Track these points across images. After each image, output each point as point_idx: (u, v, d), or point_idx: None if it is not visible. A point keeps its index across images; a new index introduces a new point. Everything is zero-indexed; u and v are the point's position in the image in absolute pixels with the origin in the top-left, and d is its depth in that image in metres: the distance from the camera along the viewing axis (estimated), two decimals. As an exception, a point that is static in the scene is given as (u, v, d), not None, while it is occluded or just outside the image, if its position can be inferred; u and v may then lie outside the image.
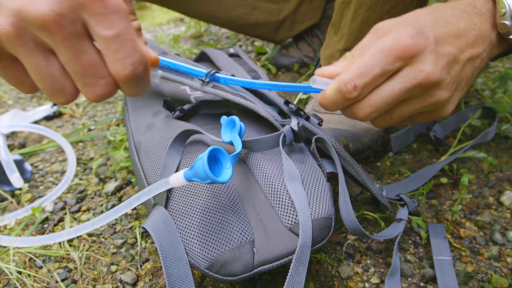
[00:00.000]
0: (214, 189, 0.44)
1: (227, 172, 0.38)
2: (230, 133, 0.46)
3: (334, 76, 0.39)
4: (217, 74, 0.54)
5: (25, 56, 0.29)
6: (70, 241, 0.56)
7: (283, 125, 0.50)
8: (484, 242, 0.54)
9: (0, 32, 0.28)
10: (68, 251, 0.53)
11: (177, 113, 0.56)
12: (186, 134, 0.49)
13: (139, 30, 0.39)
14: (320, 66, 0.84)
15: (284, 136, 0.47)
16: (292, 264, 0.37)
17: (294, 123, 0.48)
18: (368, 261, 0.51)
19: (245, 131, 0.52)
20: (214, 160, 0.38)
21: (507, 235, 0.55)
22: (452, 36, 0.37)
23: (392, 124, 0.41)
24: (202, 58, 0.80)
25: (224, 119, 0.46)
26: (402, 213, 0.50)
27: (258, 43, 1.28)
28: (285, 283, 0.36)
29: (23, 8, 0.27)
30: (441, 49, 0.36)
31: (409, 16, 0.39)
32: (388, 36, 0.36)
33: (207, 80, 0.53)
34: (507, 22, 0.39)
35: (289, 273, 0.36)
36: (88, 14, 0.29)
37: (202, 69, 0.55)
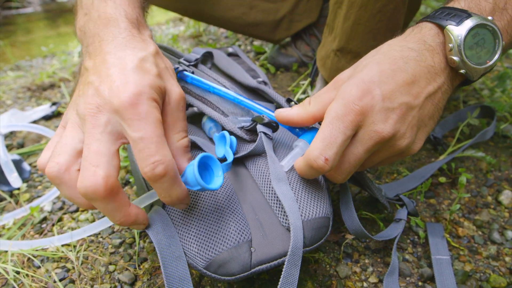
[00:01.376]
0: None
1: (218, 179, 0.39)
2: (223, 147, 0.46)
3: (288, 121, 0.42)
4: (185, 73, 0.52)
5: (66, 126, 0.38)
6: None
7: (251, 130, 0.48)
8: (483, 241, 0.54)
9: (66, 115, 0.40)
10: (67, 251, 0.53)
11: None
12: None
13: (186, 147, 0.41)
14: (317, 67, 0.84)
15: (265, 135, 0.46)
16: (284, 266, 0.36)
17: (263, 120, 0.47)
18: (367, 261, 0.51)
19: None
20: (205, 167, 0.39)
21: (506, 235, 0.55)
22: (402, 85, 0.37)
23: (364, 169, 0.45)
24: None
25: (216, 136, 0.47)
26: (401, 213, 0.50)
27: (257, 42, 1.28)
28: (278, 285, 0.36)
29: (78, 102, 0.37)
30: (391, 103, 0.37)
31: (358, 71, 0.39)
32: (338, 101, 0.37)
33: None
34: (455, 58, 0.38)
35: (282, 275, 0.36)
36: (122, 119, 0.34)
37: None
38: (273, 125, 0.47)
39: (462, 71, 0.39)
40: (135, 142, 0.34)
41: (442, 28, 0.39)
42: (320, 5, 0.96)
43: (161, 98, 0.38)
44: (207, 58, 0.65)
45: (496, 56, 0.40)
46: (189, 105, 0.56)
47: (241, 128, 0.48)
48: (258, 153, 0.47)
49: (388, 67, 0.38)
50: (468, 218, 0.58)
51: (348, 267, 0.50)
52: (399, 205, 0.53)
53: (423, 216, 0.58)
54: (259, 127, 0.46)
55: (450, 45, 0.38)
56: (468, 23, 0.38)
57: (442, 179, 0.63)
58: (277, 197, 0.43)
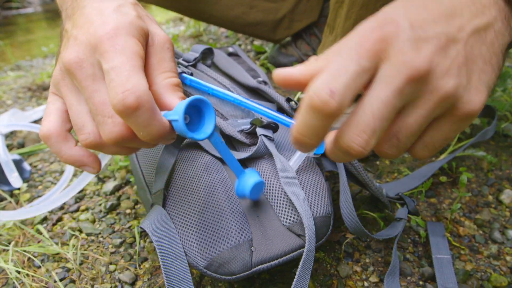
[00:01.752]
0: (212, 188, 0.44)
1: (207, 128, 0.34)
2: (203, 129, 0.40)
3: (287, 79, 0.30)
4: (184, 75, 0.51)
5: (63, 95, 0.36)
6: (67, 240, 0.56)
7: (251, 133, 0.48)
8: (484, 240, 0.54)
9: (52, 78, 0.37)
10: (67, 250, 0.53)
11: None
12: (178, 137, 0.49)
13: (175, 85, 0.36)
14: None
15: (266, 137, 0.46)
16: (298, 270, 0.36)
17: (262, 122, 0.47)
18: (367, 260, 0.51)
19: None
20: (198, 111, 0.35)
21: (507, 234, 0.54)
22: (437, 15, 0.29)
23: (404, 147, 0.30)
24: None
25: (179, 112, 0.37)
26: (402, 212, 0.50)
27: (257, 42, 1.28)
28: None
29: (61, 56, 0.35)
30: (423, 32, 0.28)
31: (379, 12, 0.31)
32: (352, 34, 0.29)
33: None
34: None
35: (295, 280, 0.36)
36: (99, 54, 0.32)
37: None
38: (272, 126, 0.47)
39: None
40: (107, 74, 0.31)
41: None
42: (320, 4, 0.96)
43: (143, 39, 0.36)
44: (206, 55, 0.65)
45: None
46: None
47: (241, 131, 0.48)
48: (260, 156, 0.47)
49: (418, 1, 0.30)
50: (469, 217, 0.58)
51: (349, 266, 0.50)
52: (400, 204, 0.53)
53: (424, 216, 0.57)
54: (259, 130, 0.46)
55: None
56: None
57: (443, 178, 0.62)
58: (277, 195, 0.42)
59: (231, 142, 0.52)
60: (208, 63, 0.65)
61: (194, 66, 0.57)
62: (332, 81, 0.26)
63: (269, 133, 0.47)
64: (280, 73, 0.30)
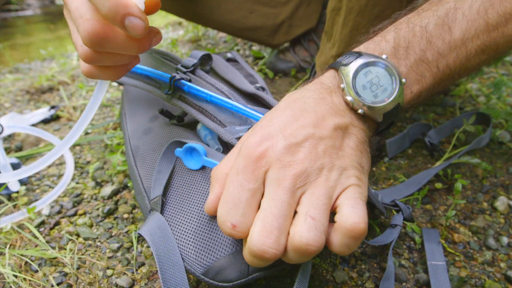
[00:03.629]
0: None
1: (195, 164, 0.46)
2: (198, 159, 0.47)
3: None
4: (182, 81, 0.52)
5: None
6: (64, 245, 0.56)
7: None
8: (478, 247, 0.54)
9: None
10: (64, 255, 0.53)
11: (174, 120, 0.56)
12: (177, 143, 0.50)
13: None
14: (315, 72, 0.85)
15: None
16: (297, 277, 0.37)
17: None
18: (363, 266, 0.51)
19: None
20: (191, 153, 0.46)
21: (501, 240, 0.55)
22: (304, 122, 0.34)
23: (320, 231, 0.31)
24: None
25: (178, 151, 0.47)
26: (397, 219, 0.51)
27: (255, 47, 1.29)
28: None
29: None
30: (295, 138, 0.33)
31: (259, 124, 0.36)
32: (238, 155, 0.34)
33: (171, 90, 0.52)
34: (348, 98, 0.36)
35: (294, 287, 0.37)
36: None
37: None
38: None
39: (360, 111, 0.36)
40: None
41: (336, 70, 0.38)
42: (319, 11, 0.97)
43: None
44: (205, 61, 0.65)
45: (395, 94, 0.36)
46: (186, 114, 0.57)
47: (239, 138, 0.49)
48: None
49: (289, 112, 0.35)
50: (464, 224, 0.58)
51: (345, 272, 0.50)
52: (396, 211, 0.54)
53: (419, 222, 0.58)
54: None
55: (342, 85, 0.36)
56: (358, 62, 0.36)
57: (439, 185, 0.63)
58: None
59: (229, 149, 0.52)
60: (206, 69, 0.65)
61: (193, 72, 0.57)
62: (231, 215, 0.32)
63: None
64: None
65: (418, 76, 0.38)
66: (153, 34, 0.39)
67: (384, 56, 0.37)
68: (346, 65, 0.37)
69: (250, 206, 0.32)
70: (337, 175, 0.33)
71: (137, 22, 0.33)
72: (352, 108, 0.37)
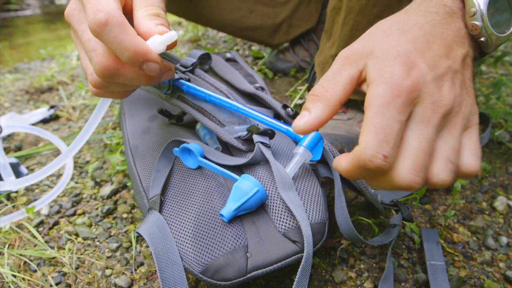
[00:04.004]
0: (208, 194, 0.44)
1: (192, 164, 0.47)
2: (195, 160, 0.48)
3: (314, 127, 0.34)
4: (181, 81, 0.51)
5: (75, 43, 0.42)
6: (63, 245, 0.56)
7: (248, 140, 0.49)
8: (477, 247, 0.54)
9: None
10: (63, 254, 0.53)
11: (173, 119, 0.56)
12: (176, 142, 0.50)
13: (152, 15, 0.38)
14: (314, 72, 0.85)
15: (262, 144, 0.46)
16: (297, 277, 0.37)
17: (258, 129, 0.47)
18: (362, 266, 0.51)
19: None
20: (189, 152, 0.47)
21: (500, 240, 0.55)
22: (439, 49, 0.34)
23: (458, 170, 0.33)
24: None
25: (176, 150, 0.48)
26: (396, 218, 0.51)
27: (255, 47, 1.28)
28: None
29: None
30: (438, 70, 0.33)
31: (384, 43, 0.34)
32: (380, 84, 0.32)
33: (170, 90, 0.52)
34: (477, 23, 0.35)
35: (294, 286, 0.37)
36: (81, 0, 0.36)
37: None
38: (269, 133, 0.47)
39: (482, 38, 0.36)
40: (84, 6, 0.35)
41: None
42: (319, 10, 0.97)
43: None
44: (204, 60, 0.65)
45: None
46: (185, 113, 0.57)
47: (238, 138, 0.49)
48: (256, 162, 0.47)
49: (417, 33, 0.34)
50: (463, 224, 0.58)
51: (344, 272, 0.50)
52: (395, 211, 0.54)
53: (418, 222, 0.58)
54: (255, 137, 0.47)
55: (473, 9, 0.35)
56: None
57: (438, 185, 0.63)
58: (273, 202, 0.43)
59: (228, 148, 0.52)
60: (205, 68, 0.65)
61: (192, 71, 0.57)
62: (382, 146, 0.30)
63: (265, 140, 0.47)
64: (299, 126, 0.34)
65: None
66: (165, 70, 0.41)
67: None
68: None
69: (399, 138, 0.31)
70: (469, 112, 0.33)
71: (154, 67, 0.36)
72: (474, 35, 0.36)
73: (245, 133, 0.48)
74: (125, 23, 0.34)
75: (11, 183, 0.56)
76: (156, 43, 0.36)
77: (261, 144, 0.46)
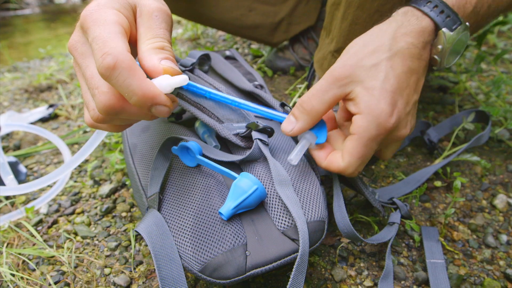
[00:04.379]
0: (207, 192, 0.44)
1: (191, 162, 0.47)
2: (193, 158, 0.47)
3: (296, 133, 0.43)
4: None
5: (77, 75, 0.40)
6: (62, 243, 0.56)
7: (246, 137, 0.49)
8: (477, 245, 0.54)
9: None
10: (62, 253, 0.53)
11: (172, 117, 0.56)
12: (172, 140, 0.49)
13: (156, 48, 0.37)
14: (314, 70, 0.84)
15: (261, 141, 0.46)
16: (292, 273, 0.37)
17: (257, 126, 0.47)
18: (362, 264, 0.51)
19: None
20: (187, 150, 0.47)
21: (500, 238, 0.55)
22: (413, 85, 0.41)
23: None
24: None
25: (174, 149, 0.47)
26: (395, 216, 0.50)
27: (254, 45, 1.28)
28: None
29: None
30: (409, 107, 0.41)
31: (371, 78, 0.39)
32: (369, 119, 0.39)
33: None
34: (437, 58, 0.43)
35: (289, 284, 0.36)
36: (85, 32, 0.35)
37: None
38: (268, 131, 0.47)
39: (434, 67, 0.44)
40: (91, 47, 0.34)
41: (437, 27, 0.41)
42: (318, 8, 0.97)
43: (128, 11, 0.38)
44: (204, 61, 0.65)
45: (457, 59, 0.44)
46: (184, 111, 0.56)
47: (236, 134, 0.48)
48: (254, 159, 0.47)
49: (401, 69, 0.40)
50: (463, 222, 0.58)
51: (343, 270, 0.50)
52: (394, 209, 0.53)
53: (418, 220, 0.58)
54: (254, 134, 0.47)
55: (439, 46, 0.41)
56: (459, 31, 0.41)
57: (438, 183, 0.63)
58: (272, 200, 0.43)
59: (228, 146, 0.52)
60: (205, 69, 0.65)
61: (191, 71, 0.57)
62: (361, 167, 0.41)
63: (264, 137, 0.47)
64: (285, 130, 0.44)
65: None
66: (173, 107, 0.40)
67: (467, 24, 0.42)
68: (451, 30, 0.41)
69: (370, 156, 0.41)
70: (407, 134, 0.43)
71: (162, 109, 0.36)
72: (432, 64, 0.44)
73: (244, 130, 0.48)
74: (134, 67, 0.33)
75: (11, 190, 0.57)
76: (165, 85, 0.35)
77: (259, 141, 0.46)
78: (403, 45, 0.40)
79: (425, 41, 0.41)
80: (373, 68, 0.39)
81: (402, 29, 0.41)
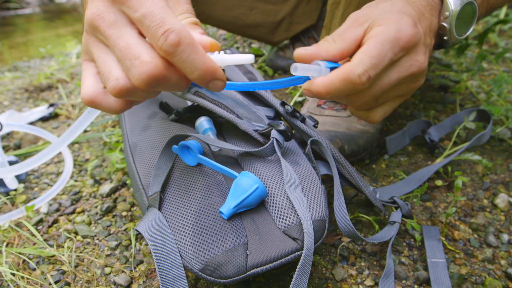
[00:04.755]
0: (207, 191, 0.44)
1: (192, 161, 0.47)
2: (194, 157, 0.47)
3: (314, 59, 0.39)
4: None
5: (92, 53, 0.36)
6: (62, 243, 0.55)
7: (264, 135, 0.49)
8: (478, 244, 0.54)
9: (82, 44, 0.37)
10: (62, 253, 0.53)
11: (173, 116, 0.56)
12: (178, 138, 0.49)
13: (193, 23, 0.38)
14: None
15: (277, 141, 0.47)
16: (295, 274, 0.37)
17: (279, 127, 0.48)
18: (363, 264, 0.51)
19: (232, 140, 0.53)
20: (188, 149, 0.47)
21: (501, 238, 0.55)
22: (425, 28, 0.41)
23: (373, 105, 0.43)
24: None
25: (175, 148, 0.47)
26: (396, 215, 0.50)
27: (255, 45, 1.28)
28: None
29: (85, 15, 0.35)
30: (426, 40, 0.41)
31: (390, 6, 0.40)
32: (390, 25, 0.38)
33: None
34: (446, 25, 0.44)
35: (292, 283, 0.36)
36: (121, 4, 0.33)
37: None
38: (287, 134, 0.47)
39: (445, 37, 0.45)
40: (140, 22, 0.32)
41: None
42: (319, 7, 0.97)
43: None
44: None
45: (470, 30, 0.46)
46: (186, 110, 0.56)
47: (255, 131, 0.49)
48: (264, 155, 0.47)
49: (415, 11, 0.41)
50: (464, 221, 0.58)
51: (344, 270, 0.50)
52: (395, 208, 0.53)
53: (419, 219, 0.58)
54: (274, 132, 0.47)
55: (447, 13, 0.43)
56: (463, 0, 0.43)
57: (439, 182, 0.63)
58: (273, 199, 0.43)
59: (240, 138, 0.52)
60: None
61: None
62: (372, 69, 0.36)
63: (281, 139, 0.47)
64: (303, 52, 0.39)
65: (486, 6, 0.48)
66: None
67: None
68: None
69: (384, 70, 0.38)
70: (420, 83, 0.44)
71: (220, 84, 0.35)
72: (440, 32, 0.45)
73: (265, 127, 0.49)
74: (195, 43, 0.32)
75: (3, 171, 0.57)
76: (227, 60, 0.35)
77: (275, 141, 0.46)
78: (414, 1, 0.43)
79: (431, 5, 0.43)
80: (389, 4, 0.41)
81: None
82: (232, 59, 0.35)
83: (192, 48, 0.32)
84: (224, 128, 0.55)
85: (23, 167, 0.57)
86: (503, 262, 0.51)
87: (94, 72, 0.37)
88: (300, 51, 0.39)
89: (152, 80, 0.33)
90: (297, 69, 0.37)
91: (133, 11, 0.32)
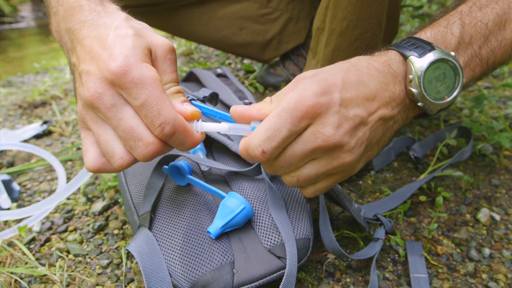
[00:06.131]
0: (196, 211, 0.46)
1: (182, 181, 0.49)
2: (184, 177, 0.49)
3: (245, 117, 0.38)
4: (193, 102, 0.52)
5: (91, 128, 0.38)
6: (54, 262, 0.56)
7: None
8: (461, 258, 0.56)
9: (77, 114, 0.39)
10: (54, 272, 0.54)
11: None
12: (168, 158, 0.51)
13: (178, 93, 0.40)
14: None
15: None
16: None
17: None
18: (348, 279, 0.52)
19: (222, 158, 0.54)
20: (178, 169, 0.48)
21: (483, 252, 0.56)
22: (362, 98, 0.37)
23: (299, 185, 0.40)
24: (191, 77, 0.82)
25: (165, 168, 0.49)
26: (379, 232, 0.52)
27: (247, 61, 1.31)
28: None
29: (80, 93, 0.37)
30: (347, 111, 0.36)
31: (323, 71, 0.38)
32: (294, 92, 0.36)
33: None
34: (414, 90, 0.38)
35: None
36: (120, 89, 0.35)
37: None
38: None
39: (419, 104, 0.39)
40: (139, 110, 0.35)
41: (405, 57, 0.39)
42: (307, 27, 1.00)
43: (149, 57, 0.38)
44: (212, 98, 0.67)
45: (455, 93, 0.40)
46: None
47: None
48: (251, 175, 0.49)
49: (353, 77, 0.37)
50: (447, 236, 0.60)
51: (330, 286, 0.51)
52: (379, 225, 0.55)
53: (403, 235, 0.59)
54: None
55: (410, 76, 0.38)
56: (430, 57, 0.38)
57: (423, 198, 0.65)
58: (259, 218, 0.44)
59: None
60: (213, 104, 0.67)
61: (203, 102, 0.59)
62: (266, 143, 0.35)
63: None
64: (238, 110, 0.39)
65: (470, 71, 0.42)
66: None
67: (453, 54, 0.39)
68: (419, 56, 0.38)
69: (283, 143, 0.36)
70: (348, 172, 0.39)
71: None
72: (411, 100, 0.40)
73: None
74: (187, 127, 0.36)
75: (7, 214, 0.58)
76: (205, 127, 0.39)
77: None
78: (364, 64, 0.39)
79: (391, 69, 0.39)
80: (334, 66, 0.39)
81: (369, 57, 0.41)
82: (209, 127, 0.39)
83: (184, 133, 0.36)
84: (214, 146, 0.57)
85: (23, 213, 0.59)
86: (484, 276, 0.53)
87: (94, 141, 0.39)
88: (234, 108, 0.39)
89: (154, 155, 0.36)
90: (229, 130, 0.39)
91: (133, 99, 0.35)
